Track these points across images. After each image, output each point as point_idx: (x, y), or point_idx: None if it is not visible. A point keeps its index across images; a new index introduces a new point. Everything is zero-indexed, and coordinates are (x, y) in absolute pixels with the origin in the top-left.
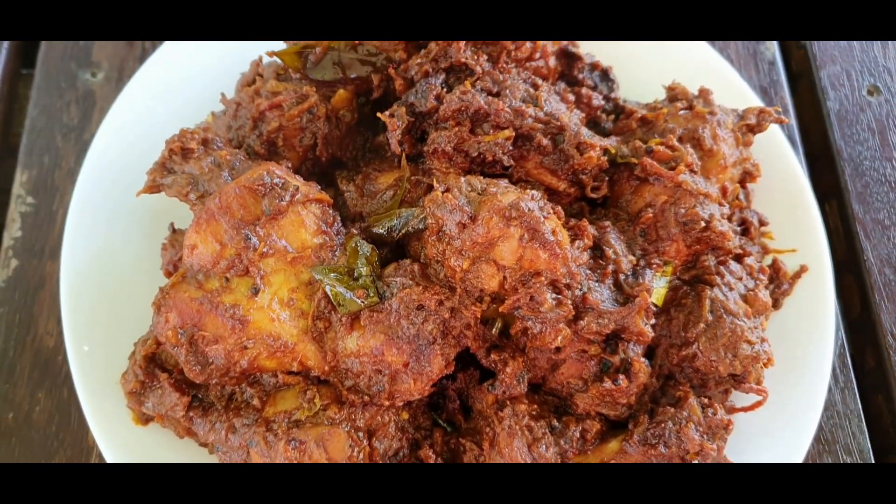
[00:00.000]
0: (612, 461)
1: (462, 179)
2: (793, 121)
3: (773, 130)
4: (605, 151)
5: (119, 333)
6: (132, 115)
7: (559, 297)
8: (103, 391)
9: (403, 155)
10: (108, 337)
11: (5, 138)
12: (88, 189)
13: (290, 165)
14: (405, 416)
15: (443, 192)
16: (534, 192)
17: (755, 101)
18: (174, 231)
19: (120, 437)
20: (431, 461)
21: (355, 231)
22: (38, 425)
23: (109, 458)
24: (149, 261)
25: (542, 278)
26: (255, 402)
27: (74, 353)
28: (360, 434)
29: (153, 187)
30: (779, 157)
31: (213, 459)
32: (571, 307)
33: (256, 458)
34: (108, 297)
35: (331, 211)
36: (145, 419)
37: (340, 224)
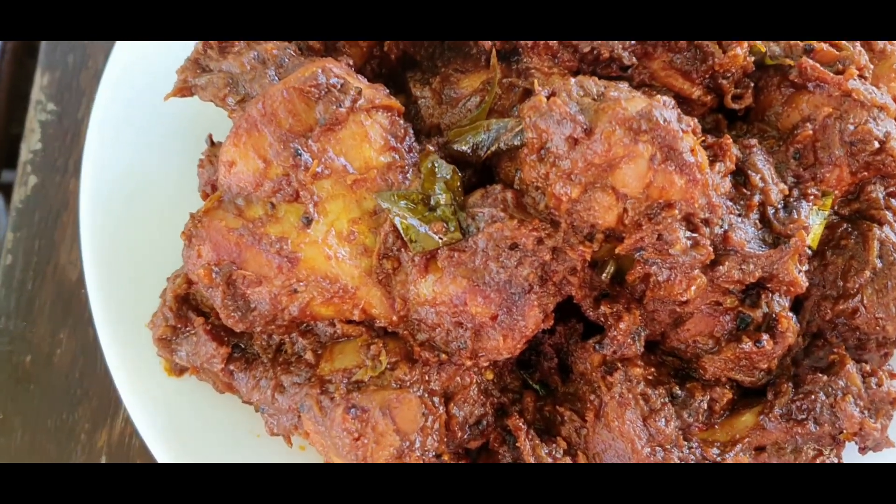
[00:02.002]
0: (746, 438)
1: (572, 81)
2: None
3: None
4: (752, 50)
5: (149, 267)
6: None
7: (695, 235)
8: (131, 335)
9: (493, 51)
10: (137, 271)
11: None
12: (114, 94)
13: (350, 63)
14: (490, 376)
15: (547, 98)
16: (665, 98)
17: None
18: (213, 144)
19: (149, 390)
20: (521, 431)
21: (432, 148)
22: (59, 370)
23: (136, 414)
24: (185, 180)
25: (675, 211)
26: (308, 355)
27: (96, 289)
28: (436, 399)
29: (184, 89)
30: None
31: (260, 421)
32: (711, 249)
33: (308, 426)
34: (137, 224)
35: (401, 122)
36: (179, 369)
37: (413, 139)
